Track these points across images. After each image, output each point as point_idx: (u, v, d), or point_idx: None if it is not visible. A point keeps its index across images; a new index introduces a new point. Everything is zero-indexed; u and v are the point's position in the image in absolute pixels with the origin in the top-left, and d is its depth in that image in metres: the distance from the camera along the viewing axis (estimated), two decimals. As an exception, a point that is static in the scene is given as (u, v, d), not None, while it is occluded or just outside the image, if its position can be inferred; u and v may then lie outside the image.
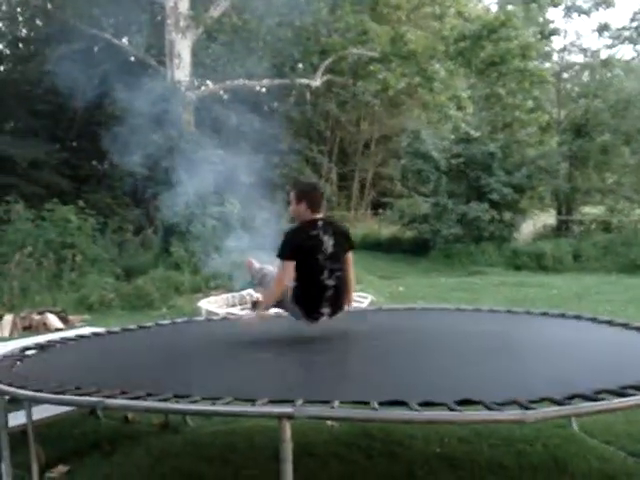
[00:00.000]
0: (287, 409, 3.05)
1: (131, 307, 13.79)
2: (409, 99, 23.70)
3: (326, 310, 5.25)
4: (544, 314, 6.36)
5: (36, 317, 11.82)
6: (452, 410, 3.02)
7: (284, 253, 5.08)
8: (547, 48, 26.44)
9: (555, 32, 26.16)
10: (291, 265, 5.06)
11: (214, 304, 11.17)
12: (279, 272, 5.17)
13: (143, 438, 5.85)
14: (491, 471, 4.88)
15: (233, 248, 14.89)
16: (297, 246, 5.12)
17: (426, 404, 3.08)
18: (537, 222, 26.16)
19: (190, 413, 4.32)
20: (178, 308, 13.13)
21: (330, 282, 5.21)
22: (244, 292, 11.83)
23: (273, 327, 5.82)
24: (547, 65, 24.88)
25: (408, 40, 19.12)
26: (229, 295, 12.09)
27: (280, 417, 3.03)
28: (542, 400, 3.21)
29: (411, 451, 5.35)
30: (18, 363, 5.00)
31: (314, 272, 5.17)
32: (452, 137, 23.34)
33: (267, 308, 5.38)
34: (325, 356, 4.78)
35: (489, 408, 3.02)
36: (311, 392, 3.43)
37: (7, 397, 4.32)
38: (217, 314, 9.30)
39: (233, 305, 11.30)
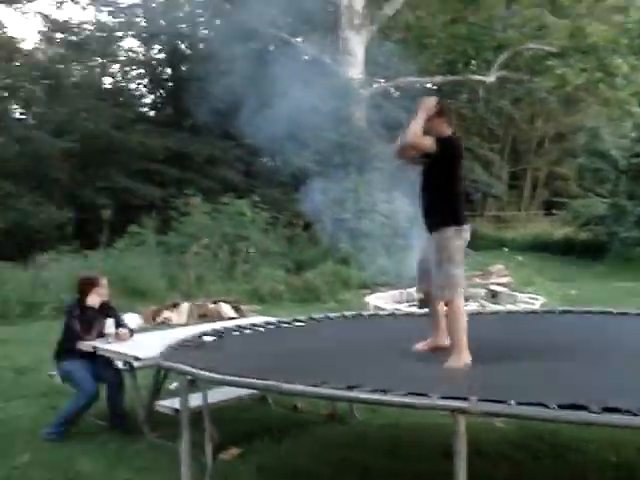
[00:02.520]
0: (462, 404, 3.00)
1: (300, 300, 14.07)
2: (588, 95, 22.74)
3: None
4: None
5: (211, 306, 12.27)
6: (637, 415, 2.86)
7: None
8: None
9: None
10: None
11: (381, 300, 11.19)
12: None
13: (311, 427, 5.94)
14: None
15: (401, 245, 14.89)
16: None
17: (608, 410, 2.93)
18: None
19: (368, 402, 4.29)
20: (346, 302, 13.24)
21: None
22: (412, 289, 11.78)
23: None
24: None
25: (589, 34, 18.34)
26: (397, 292, 12.08)
27: (454, 411, 2.98)
28: None
29: (583, 456, 5.13)
30: (197, 347, 5.20)
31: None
32: (633, 135, 22.22)
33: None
34: (501, 360, 4.64)
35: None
36: (486, 392, 3.34)
37: (187, 378, 4.49)
38: (384, 309, 9.31)
39: (400, 302, 11.28)
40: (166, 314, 11.84)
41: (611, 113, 21.27)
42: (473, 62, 22.72)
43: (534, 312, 7.30)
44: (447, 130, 4.97)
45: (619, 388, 3.62)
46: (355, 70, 19.01)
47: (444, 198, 4.85)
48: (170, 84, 26.02)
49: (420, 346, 5.07)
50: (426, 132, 4.81)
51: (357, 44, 19.07)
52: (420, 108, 4.85)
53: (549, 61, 19.38)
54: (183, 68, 24.92)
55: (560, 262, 21.35)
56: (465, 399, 3.07)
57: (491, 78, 20.35)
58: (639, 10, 19.58)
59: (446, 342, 4.87)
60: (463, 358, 4.59)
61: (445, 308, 4.82)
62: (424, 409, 3.58)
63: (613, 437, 5.27)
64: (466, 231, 4.86)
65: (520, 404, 3.00)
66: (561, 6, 20.53)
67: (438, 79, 21.41)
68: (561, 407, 2.93)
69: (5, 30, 22.89)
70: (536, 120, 32.61)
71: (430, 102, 4.91)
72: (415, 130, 4.76)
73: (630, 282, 17.26)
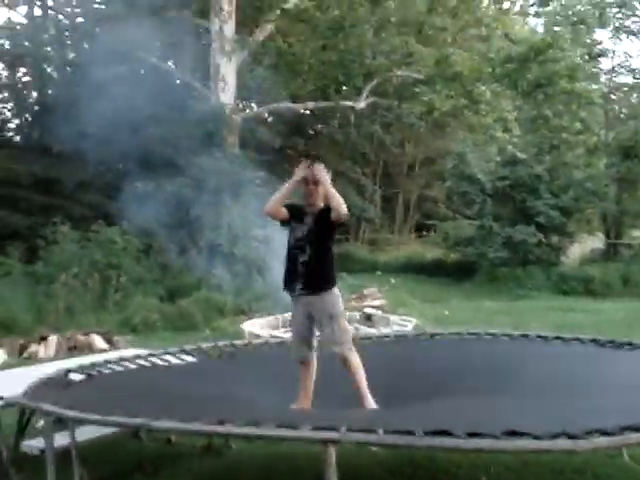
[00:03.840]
0: (332, 434, 2.98)
1: (175, 328, 13.79)
2: (454, 121, 23.52)
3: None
4: (594, 341, 6.19)
5: (81, 337, 11.88)
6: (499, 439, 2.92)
7: None
8: (595, 69, 26.13)
9: (603, 53, 25.87)
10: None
11: (257, 326, 11.16)
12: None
13: (186, 460, 5.81)
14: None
15: (276, 270, 14.88)
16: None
17: (472, 435, 2.99)
18: (585, 246, 25.72)
19: (236, 436, 4.24)
20: (221, 329, 13.10)
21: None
22: (287, 314, 11.79)
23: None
24: (595, 87, 24.53)
25: (454, 62, 18.96)
26: (272, 317, 12.08)
27: (325, 442, 2.96)
28: (594, 432, 3.10)
29: (455, 479, 5.22)
30: (63, 385, 5.00)
31: None
32: (498, 159, 23.10)
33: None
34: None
35: (539, 438, 2.92)
36: (353, 421, 3.35)
37: (52, 418, 4.30)
38: (260, 336, 9.28)
39: (276, 327, 11.28)
40: (33, 348, 11.35)
41: (477, 138, 22.08)
42: (344, 88, 23.10)
43: (404, 336, 7.40)
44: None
45: (483, 417, 3.70)
46: (227, 95, 18.97)
47: (330, 261, 5.01)
48: (36, 108, 25.20)
49: (295, 405, 5.14)
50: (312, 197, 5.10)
51: (229, 70, 19.04)
52: (296, 175, 5.07)
53: (417, 88, 19.93)
54: (50, 92, 24.19)
55: (432, 283, 21.87)
56: (335, 429, 3.06)
57: (361, 104, 20.72)
58: (500, 39, 20.45)
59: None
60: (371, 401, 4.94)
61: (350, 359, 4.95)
62: (295, 440, 3.56)
63: (483, 458, 5.40)
64: None
65: (387, 433, 3.02)
66: (427, 35, 21.24)
67: (310, 105, 21.63)
68: (427, 434, 2.96)
69: None
70: (406, 145, 33.42)
71: (309, 172, 5.12)
72: (274, 200, 5.03)
73: (498, 301, 17.91)
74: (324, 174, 5.23)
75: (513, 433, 2.96)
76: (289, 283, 5.14)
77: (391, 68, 20.64)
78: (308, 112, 25.73)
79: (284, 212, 5.20)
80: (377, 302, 13.97)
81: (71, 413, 3.90)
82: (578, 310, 15.88)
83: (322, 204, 5.15)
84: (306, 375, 5.06)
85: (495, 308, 16.45)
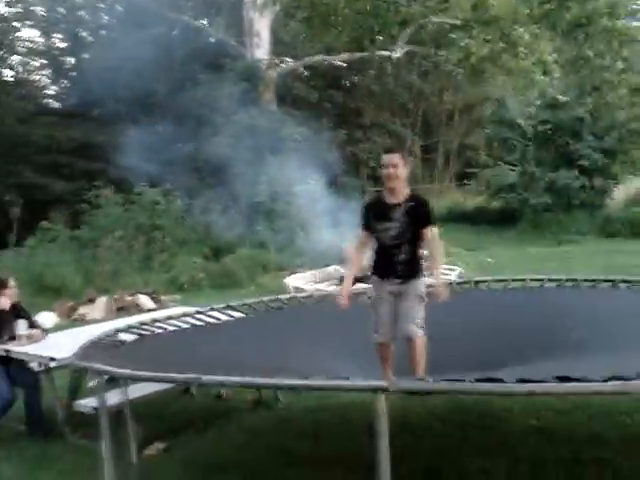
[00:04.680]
0: (382, 382, 2.99)
1: (219, 286, 13.93)
2: (492, 66, 23.10)
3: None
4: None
5: (128, 298, 12.07)
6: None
7: None
8: (636, 5, 25.35)
9: (644, -12, 25.08)
10: None
11: (300, 281, 11.19)
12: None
13: (236, 415, 5.90)
14: (590, 443, 4.73)
15: (317, 226, 14.89)
16: None
17: (523, 381, 2.97)
18: (630, 187, 25.24)
19: (287, 388, 4.28)
20: (265, 286, 13.19)
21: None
22: (330, 268, 11.82)
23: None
24: (637, 23, 23.81)
25: (490, 5, 18.58)
26: (315, 272, 12.11)
27: (375, 390, 2.97)
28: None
29: (507, 424, 5.24)
30: (113, 344, 5.08)
31: None
32: (538, 103, 22.68)
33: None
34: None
35: (589, 381, 2.89)
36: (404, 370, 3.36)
37: (106, 377, 4.38)
38: (304, 290, 9.30)
39: (319, 281, 11.30)
40: (82, 310, 11.58)
41: (516, 83, 21.67)
42: (379, 38, 22.79)
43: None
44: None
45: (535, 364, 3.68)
46: (261, 51, 18.86)
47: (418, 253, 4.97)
48: (73, 73, 25.32)
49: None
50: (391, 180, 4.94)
51: (262, 25, 18.90)
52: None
53: (453, 34, 19.59)
54: (86, 56, 24.27)
55: (474, 231, 21.71)
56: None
57: (397, 53, 20.46)
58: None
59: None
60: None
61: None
62: (346, 391, 3.59)
63: (533, 403, 5.40)
64: None
65: (438, 381, 3.02)
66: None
67: (345, 56, 21.41)
68: (478, 381, 2.95)
69: None
70: (445, 93, 32.94)
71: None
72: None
73: (541, 247, 17.74)
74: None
75: (564, 378, 2.93)
76: (382, 276, 5.06)
77: (426, 15, 20.24)
78: (344, 65, 25.45)
79: (369, 241, 5.06)
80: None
81: (123, 371, 3.94)
82: (624, 252, 15.63)
83: (407, 190, 5.00)
84: (386, 356, 5.01)
85: (540, 254, 16.30)
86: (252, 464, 4.74)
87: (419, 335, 4.77)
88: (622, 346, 4.36)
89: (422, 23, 20.69)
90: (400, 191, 4.93)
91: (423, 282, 4.94)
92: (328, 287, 10.02)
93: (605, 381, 2.87)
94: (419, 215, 4.88)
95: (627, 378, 2.88)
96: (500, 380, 2.95)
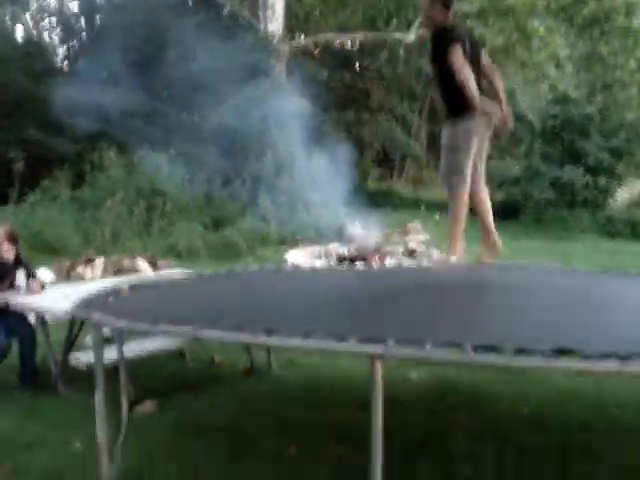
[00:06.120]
0: (378, 349, 2.97)
1: (218, 256, 13.93)
2: (505, 57, 22.99)
3: None
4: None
5: (127, 261, 12.03)
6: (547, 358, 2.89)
7: None
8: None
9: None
10: None
11: (300, 256, 11.19)
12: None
13: (229, 381, 5.92)
14: (579, 432, 4.75)
15: (319, 201, 14.88)
16: None
17: (521, 351, 2.96)
18: (633, 189, 25.23)
19: (279, 346, 4.25)
20: (264, 259, 13.19)
21: None
22: (330, 245, 11.81)
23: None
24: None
25: (507, -6, 18.49)
26: (315, 248, 12.10)
27: (372, 357, 2.96)
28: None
29: (497, 409, 5.26)
30: (112, 298, 5.06)
31: None
32: (548, 98, 22.61)
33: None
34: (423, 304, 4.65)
35: (586, 357, 2.87)
36: (403, 334, 3.33)
37: (101, 328, 4.37)
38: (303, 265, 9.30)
39: (319, 258, 11.29)
40: (80, 270, 11.55)
41: (527, 75, 21.57)
42: (394, 21, 22.66)
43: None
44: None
45: (534, 334, 3.67)
46: (275, 25, 18.76)
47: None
48: (84, 35, 25.21)
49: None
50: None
51: (277, -2, 18.82)
52: None
53: (468, 21, 19.46)
54: (98, 18, 24.15)
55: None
56: (383, 341, 3.03)
57: (411, 37, 20.35)
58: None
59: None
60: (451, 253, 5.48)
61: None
62: (340, 352, 3.57)
63: (525, 390, 5.42)
64: None
65: (436, 347, 2.99)
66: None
67: (358, 36, 21.30)
68: (475, 349, 2.93)
69: None
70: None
71: None
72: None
73: (543, 242, 17.74)
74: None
75: (563, 351, 2.92)
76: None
77: (442, 0, 20.11)
78: (356, 47, 25.35)
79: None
80: (421, 237, 13.89)
81: (120, 322, 3.93)
82: (625, 253, 15.65)
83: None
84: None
85: (540, 249, 16.30)
86: (244, 428, 4.76)
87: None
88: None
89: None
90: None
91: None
92: (328, 264, 10.02)
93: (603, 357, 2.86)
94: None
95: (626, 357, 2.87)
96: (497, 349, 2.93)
